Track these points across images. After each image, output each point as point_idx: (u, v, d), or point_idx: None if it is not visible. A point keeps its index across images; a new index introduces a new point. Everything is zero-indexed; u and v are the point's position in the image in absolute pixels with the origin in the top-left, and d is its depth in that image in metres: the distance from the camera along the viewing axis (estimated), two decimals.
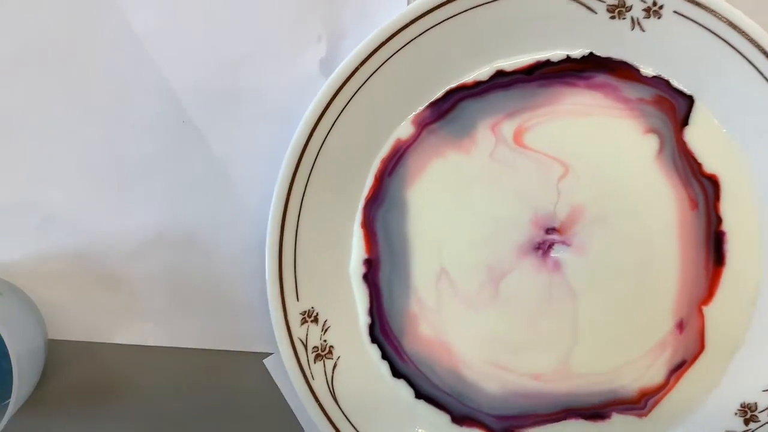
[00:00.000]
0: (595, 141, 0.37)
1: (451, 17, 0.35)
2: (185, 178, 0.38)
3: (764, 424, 0.35)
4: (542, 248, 0.37)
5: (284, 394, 0.39)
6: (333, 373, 0.37)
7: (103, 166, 0.38)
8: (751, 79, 0.34)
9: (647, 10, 0.35)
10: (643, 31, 0.35)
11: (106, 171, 0.38)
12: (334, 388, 0.37)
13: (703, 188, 0.36)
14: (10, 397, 0.33)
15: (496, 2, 0.35)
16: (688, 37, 0.35)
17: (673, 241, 0.36)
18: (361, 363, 0.37)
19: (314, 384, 0.36)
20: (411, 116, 0.37)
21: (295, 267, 0.36)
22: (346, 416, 0.37)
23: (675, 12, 0.34)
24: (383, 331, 0.38)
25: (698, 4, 0.34)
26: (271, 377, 0.39)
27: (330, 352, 0.37)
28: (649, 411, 0.37)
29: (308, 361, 0.36)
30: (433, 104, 0.37)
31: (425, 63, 0.36)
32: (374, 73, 0.35)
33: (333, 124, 0.36)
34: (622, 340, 0.37)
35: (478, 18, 0.35)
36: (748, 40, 0.34)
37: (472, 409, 0.38)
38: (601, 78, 0.36)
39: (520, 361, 0.37)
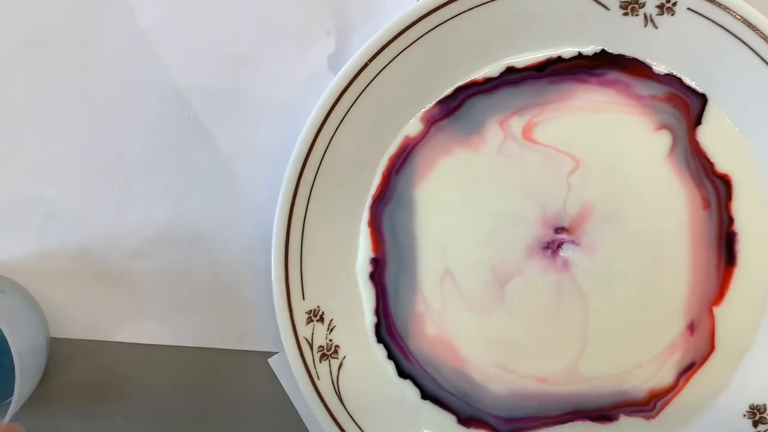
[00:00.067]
0: (607, 137, 0.36)
1: (461, 13, 0.35)
2: (189, 175, 0.37)
3: None
4: (551, 248, 0.36)
5: (289, 393, 0.38)
6: (338, 372, 0.37)
7: (107, 163, 0.37)
8: (764, 78, 0.34)
9: (661, 6, 0.34)
10: (656, 28, 0.35)
11: (109, 168, 0.37)
12: (340, 388, 0.36)
13: (715, 188, 0.36)
14: (12, 395, 0.34)
15: None
16: (702, 34, 0.34)
17: (684, 240, 0.36)
18: (366, 363, 0.37)
19: (320, 384, 0.36)
20: (420, 113, 0.37)
21: (301, 266, 0.36)
22: (351, 416, 0.36)
23: (689, 9, 0.34)
24: (389, 331, 0.37)
25: (713, 2, 0.33)
26: (275, 376, 0.38)
27: (336, 351, 0.37)
28: (658, 413, 0.37)
29: (314, 360, 0.36)
30: (442, 101, 0.37)
31: (434, 60, 0.35)
32: (383, 69, 0.35)
33: (341, 122, 0.35)
34: (632, 343, 0.36)
35: (488, 14, 0.35)
36: (763, 38, 0.33)
37: (478, 410, 0.37)
38: (613, 75, 0.36)
39: (527, 364, 0.37)
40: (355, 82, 0.35)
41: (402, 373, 0.37)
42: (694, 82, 0.36)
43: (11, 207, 0.37)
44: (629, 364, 0.36)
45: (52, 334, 0.38)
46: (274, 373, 0.38)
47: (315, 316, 0.36)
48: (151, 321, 0.38)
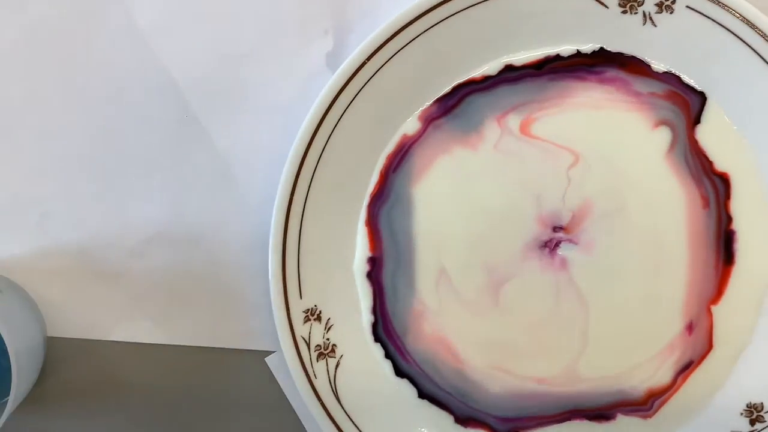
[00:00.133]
0: (606, 133, 0.36)
1: (459, 12, 0.34)
2: (187, 174, 0.37)
3: None
4: (549, 246, 0.36)
5: (286, 392, 0.38)
6: (336, 371, 0.36)
7: (104, 162, 0.37)
8: (763, 77, 0.34)
9: (659, 4, 0.34)
10: (655, 26, 0.35)
11: (106, 167, 0.37)
12: (337, 387, 0.36)
13: (714, 186, 0.36)
14: (9, 394, 0.33)
15: None
16: (701, 33, 0.34)
17: (683, 239, 0.36)
18: (364, 362, 0.37)
19: (317, 383, 0.36)
20: (418, 112, 0.37)
21: (298, 265, 0.36)
22: (348, 415, 0.36)
23: (688, 7, 0.34)
24: (386, 330, 0.37)
25: (712, 0, 0.33)
26: (272, 375, 0.38)
27: (333, 350, 0.37)
28: (655, 412, 0.37)
29: (311, 359, 0.36)
30: (440, 100, 0.36)
31: (432, 58, 0.35)
32: (381, 68, 0.35)
33: (339, 120, 0.35)
34: (631, 343, 0.36)
35: (486, 13, 0.34)
36: (762, 36, 0.33)
37: (475, 410, 0.37)
38: (612, 73, 0.36)
39: (525, 365, 0.37)
40: (352, 80, 0.34)
41: (399, 372, 0.37)
42: (693, 81, 0.36)
43: (8, 206, 0.37)
44: (628, 364, 0.36)
45: (50, 333, 0.38)
46: (271, 372, 0.38)
47: (312, 315, 0.36)
48: (149, 320, 0.38)
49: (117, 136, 0.37)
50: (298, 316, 0.36)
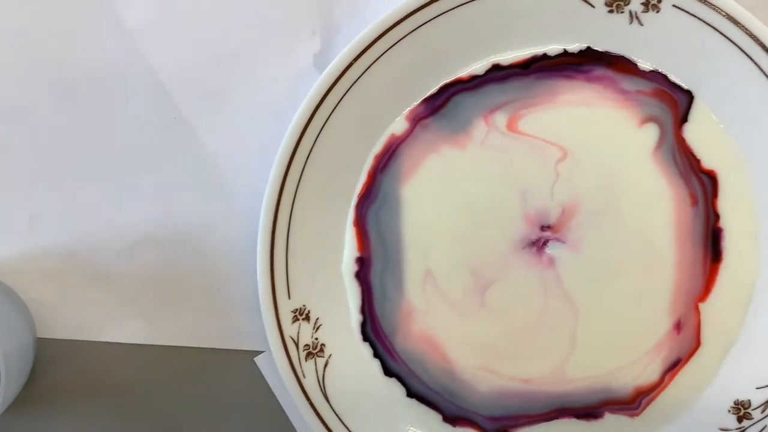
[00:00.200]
0: (594, 130, 0.36)
1: (446, 12, 0.34)
2: (176, 174, 0.37)
3: (758, 421, 0.35)
4: (537, 245, 0.36)
5: (275, 392, 0.38)
6: (324, 371, 0.37)
7: (93, 163, 0.37)
8: (749, 74, 0.34)
9: (646, 4, 0.34)
10: (642, 25, 0.35)
11: (95, 168, 0.37)
12: (326, 386, 0.36)
13: (702, 184, 0.36)
14: None
15: None
16: (687, 31, 0.34)
17: (670, 237, 0.36)
18: (352, 361, 0.37)
19: (305, 382, 0.36)
20: (405, 112, 0.37)
21: (286, 265, 0.36)
22: (337, 414, 0.36)
23: (674, 6, 0.34)
24: (375, 330, 0.37)
25: None
26: (262, 375, 0.38)
27: (321, 350, 0.37)
28: (642, 410, 0.37)
29: (299, 359, 0.36)
30: (428, 99, 0.36)
31: (420, 58, 0.35)
32: (368, 68, 0.35)
33: (326, 120, 0.35)
34: (619, 344, 0.36)
35: (472, 13, 0.34)
36: (748, 34, 0.33)
37: (463, 409, 0.37)
38: (600, 71, 0.36)
39: (513, 367, 0.37)
40: (340, 80, 0.35)
41: (388, 372, 0.37)
42: (679, 79, 0.36)
43: None
44: (616, 364, 0.36)
45: (39, 335, 0.38)
46: (261, 371, 0.38)
47: (301, 314, 0.36)
48: (139, 321, 0.38)
49: (106, 138, 0.37)
50: (286, 316, 0.36)
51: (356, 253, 0.37)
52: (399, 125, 0.37)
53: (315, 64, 0.37)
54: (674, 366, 0.36)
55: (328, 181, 0.36)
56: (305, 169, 0.35)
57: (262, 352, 0.38)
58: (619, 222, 0.36)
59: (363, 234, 0.37)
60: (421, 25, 0.34)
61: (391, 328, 0.37)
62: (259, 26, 0.36)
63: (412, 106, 0.37)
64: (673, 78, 0.36)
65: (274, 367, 0.36)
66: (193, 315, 0.38)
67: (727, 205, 0.36)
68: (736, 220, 0.36)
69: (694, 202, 0.36)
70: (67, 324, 0.38)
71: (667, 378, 0.36)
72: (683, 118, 0.36)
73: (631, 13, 0.35)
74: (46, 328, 0.38)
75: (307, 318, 0.36)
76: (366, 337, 0.37)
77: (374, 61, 0.35)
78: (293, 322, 0.36)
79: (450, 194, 0.37)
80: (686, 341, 0.36)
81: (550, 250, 0.36)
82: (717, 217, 0.36)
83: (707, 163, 0.36)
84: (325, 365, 0.37)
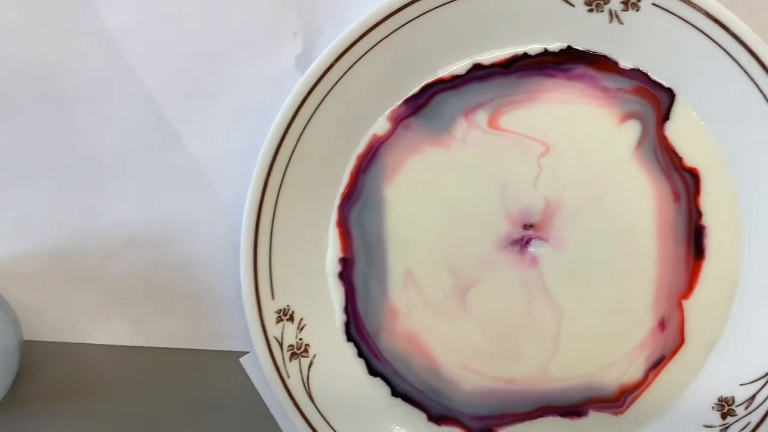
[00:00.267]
0: (576, 127, 0.36)
1: (427, 12, 0.35)
2: (160, 176, 0.38)
3: (741, 417, 0.35)
4: (520, 244, 0.37)
5: (261, 393, 0.38)
6: (309, 371, 0.37)
7: (77, 166, 0.37)
8: (730, 72, 0.34)
9: (625, 2, 0.34)
10: (622, 24, 0.35)
11: (80, 170, 0.37)
12: (310, 386, 0.37)
13: (684, 182, 0.36)
14: None
15: None
16: (667, 29, 0.34)
17: (652, 234, 0.36)
18: (337, 361, 0.37)
19: (290, 383, 0.36)
20: (387, 112, 0.37)
21: (270, 265, 0.36)
22: (322, 414, 0.36)
23: (653, 4, 0.34)
24: (359, 330, 0.38)
25: None
26: (247, 376, 0.38)
27: (306, 350, 0.37)
28: (627, 408, 0.37)
29: (284, 359, 0.36)
30: (410, 100, 0.37)
31: (401, 58, 0.35)
32: (350, 69, 0.35)
33: (308, 121, 0.35)
34: (603, 343, 0.36)
35: (453, 13, 0.35)
36: (728, 32, 0.33)
37: (448, 408, 0.37)
38: (581, 69, 0.36)
39: (496, 368, 0.37)
40: (321, 81, 0.35)
41: (372, 371, 0.38)
42: (660, 77, 0.36)
43: None
44: (601, 363, 0.36)
45: (26, 337, 0.38)
46: (246, 372, 0.38)
47: (285, 315, 0.36)
48: (125, 323, 0.38)
49: (90, 140, 0.37)
50: (270, 317, 0.36)
51: (339, 254, 0.37)
52: (381, 125, 0.37)
53: (297, 66, 0.37)
54: (658, 364, 0.36)
55: (310, 181, 0.36)
56: (288, 170, 0.35)
57: (248, 352, 0.38)
58: (601, 219, 0.36)
59: (346, 234, 0.37)
60: (402, 26, 0.35)
61: (375, 328, 0.37)
62: (241, 28, 0.37)
63: (393, 107, 0.37)
64: (654, 76, 0.36)
65: (260, 368, 0.36)
66: (179, 316, 0.38)
67: (709, 202, 0.36)
68: (719, 217, 0.36)
69: (677, 199, 0.36)
70: (54, 326, 0.38)
71: (651, 376, 0.37)
72: (665, 116, 0.36)
73: (611, 11, 0.35)
74: (33, 331, 0.38)
75: (291, 318, 0.37)
76: (350, 337, 0.38)
77: (355, 62, 0.35)
78: (277, 322, 0.36)
79: (433, 194, 0.37)
80: (670, 339, 0.36)
81: (533, 248, 0.36)
82: (699, 214, 0.36)
83: (689, 160, 0.36)
84: (310, 365, 0.37)
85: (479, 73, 0.36)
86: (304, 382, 0.36)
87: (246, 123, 0.37)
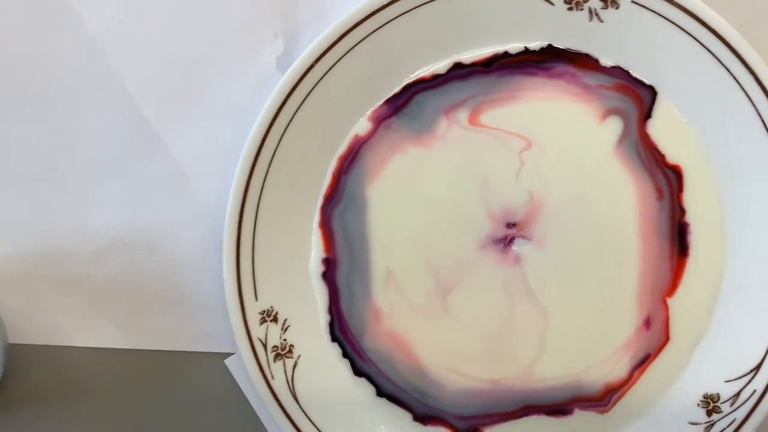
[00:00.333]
0: (557, 124, 0.36)
1: (407, 12, 0.35)
2: (142, 178, 0.38)
3: (727, 414, 0.35)
4: (503, 243, 0.36)
5: (246, 394, 0.38)
6: (293, 372, 0.37)
7: (60, 169, 0.38)
8: (710, 69, 0.34)
9: (605, 0, 0.34)
10: (602, 21, 0.35)
11: (63, 173, 0.38)
12: (295, 387, 0.36)
13: (667, 179, 0.36)
14: None
15: None
16: (647, 27, 0.34)
17: (635, 231, 0.36)
18: (321, 362, 0.37)
19: (274, 384, 0.36)
20: (368, 112, 0.37)
21: (253, 266, 0.36)
22: (307, 415, 0.36)
23: (633, 2, 0.34)
24: (343, 330, 0.37)
25: None
26: (232, 377, 0.38)
27: (290, 351, 0.37)
28: (612, 406, 0.37)
29: (268, 360, 0.36)
30: (391, 99, 0.37)
31: (382, 58, 0.36)
32: (330, 69, 0.35)
33: (289, 121, 0.35)
34: (588, 343, 0.36)
35: (433, 12, 0.35)
36: (707, 28, 0.33)
37: (433, 408, 0.37)
38: (562, 67, 0.36)
39: (480, 369, 0.37)
40: (302, 82, 0.35)
41: (357, 372, 0.37)
42: (641, 75, 0.36)
43: None
44: (586, 363, 0.36)
45: (10, 340, 0.38)
46: (231, 373, 0.38)
47: (269, 316, 0.36)
48: (109, 325, 0.38)
49: (72, 144, 0.37)
50: (254, 318, 0.36)
51: (323, 254, 0.37)
52: (362, 126, 0.37)
53: (278, 66, 0.37)
54: (643, 362, 0.36)
55: (293, 182, 0.36)
56: (270, 171, 0.35)
57: (233, 354, 0.38)
58: (584, 217, 0.36)
59: (329, 235, 0.37)
60: (382, 26, 0.35)
61: (360, 328, 0.37)
62: (222, 29, 0.37)
63: (375, 107, 0.37)
64: (635, 74, 0.36)
65: (245, 369, 0.36)
66: (163, 318, 0.38)
67: (692, 199, 0.36)
68: (702, 214, 0.36)
69: (660, 196, 0.36)
70: (39, 329, 0.38)
71: (636, 374, 0.36)
72: (647, 114, 0.36)
73: (590, 10, 0.35)
74: (18, 334, 0.39)
75: (275, 319, 0.37)
76: (334, 338, 0.38)
77: (336, 62, 0.35)
78: (261, 323, 0.36)
79: (415, 194, 0.37)
80: (655, 337, 0.36)
81: (516, 247, 0.36)
82: (683, 211, 0.36)
83: (672, 158, 0.36)
84: (294, 366, 0.37)
85: (460, 72, 0.36)
86: (288, 383, 0.36)
87: (227, 124, 0.37)
